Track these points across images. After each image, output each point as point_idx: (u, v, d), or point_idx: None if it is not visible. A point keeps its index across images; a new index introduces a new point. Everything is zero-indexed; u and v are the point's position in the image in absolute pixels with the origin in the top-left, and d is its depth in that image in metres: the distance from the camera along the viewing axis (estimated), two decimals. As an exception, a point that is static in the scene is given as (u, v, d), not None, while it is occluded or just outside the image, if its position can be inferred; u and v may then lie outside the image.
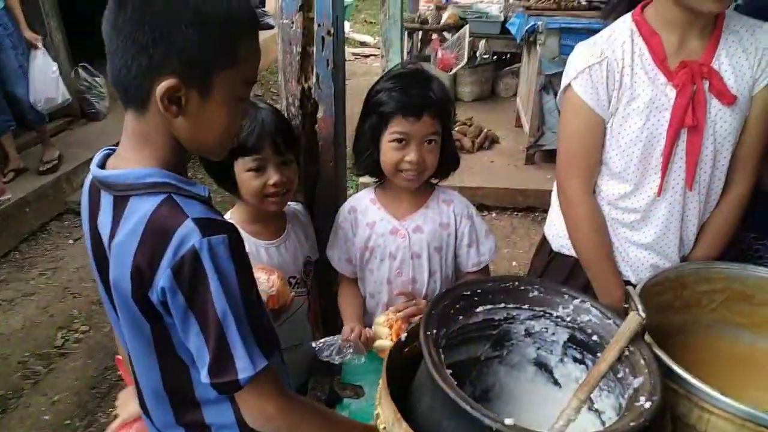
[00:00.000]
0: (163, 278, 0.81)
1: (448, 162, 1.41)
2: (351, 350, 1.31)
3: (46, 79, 4.03)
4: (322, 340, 1.33)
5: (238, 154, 1.29)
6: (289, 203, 1.49)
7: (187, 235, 0.80)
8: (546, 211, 4.60)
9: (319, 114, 1.45)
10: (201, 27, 0.79)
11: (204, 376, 0.84)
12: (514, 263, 3.55)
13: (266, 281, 1.27)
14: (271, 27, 5.90)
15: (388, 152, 1.33)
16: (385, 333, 1.34)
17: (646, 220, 1.36)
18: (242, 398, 0.89)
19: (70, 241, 3.74)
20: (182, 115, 0.84)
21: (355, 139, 1.44)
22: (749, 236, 1.51)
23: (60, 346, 2.80)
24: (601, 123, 1.32)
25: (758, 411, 0.88)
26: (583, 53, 1.31)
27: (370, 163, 1.39)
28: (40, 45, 3.99)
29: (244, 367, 0.83)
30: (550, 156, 4.37)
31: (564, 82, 1.35)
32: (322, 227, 1.54)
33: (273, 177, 1.32)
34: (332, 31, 1.35)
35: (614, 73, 1.27)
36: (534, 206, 4.08)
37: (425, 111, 1.30)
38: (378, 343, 1.34)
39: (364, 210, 1.46)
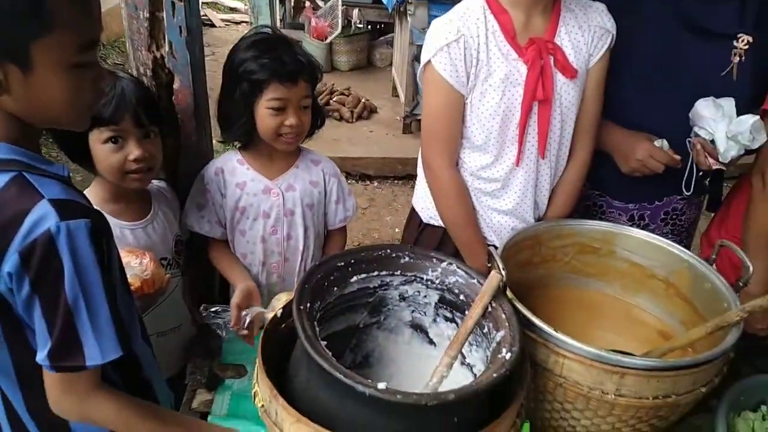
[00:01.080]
0: (9, 263, 0.76)
1: (316, 122, 1.47)
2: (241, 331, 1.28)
3: None
4: (215, 307, 1.28)
5: (93, 125, 1.18)
6: (153, 181, 1.40)
7: (42, 217, 0.75)
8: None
9: (176, 85, 1.35)
10: None
11: (42, 358, 0.82)
12: (397, 230, 3.65)
13: (138, 265, 1.18)
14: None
15: (266, 118, 1.35)
16: None
17: (505, 188, 1.45)
18: (52, 380, 0.85)
19: None
20: (6, 93, 0.76)
21: (220, 108, 1.42)
22: (593, 193, 1.67)
23: None
24: (460, 99, 1.37)
25: (603, 351, 0.98)
26: (440, 30, 1.34)
27: (244, 131, 1.39)
28: None
29: (93, 354, 0.82)
30: (426, 125, 4.50)
31: (423, 58, 1.38)
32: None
33: (134, 152, 1.23)
34: (182, -4, 1.25)
35: (471, 50, 1.32)
36: (413, 174, 4.07)
37: (300, 76, 1.34)
38: None
39: (232, 171, 1.45)
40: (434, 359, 1.14)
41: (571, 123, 1.43)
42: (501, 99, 1.34)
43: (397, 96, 4.98)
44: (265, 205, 1.45)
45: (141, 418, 0.91)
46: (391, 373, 1.19)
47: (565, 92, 1.37)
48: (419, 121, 4.50)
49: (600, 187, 1.65)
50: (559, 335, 1.01)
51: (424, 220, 1.59)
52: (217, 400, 1.26)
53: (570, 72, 1.35)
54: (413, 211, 1.66)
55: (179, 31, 1.27)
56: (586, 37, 1.37)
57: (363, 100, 4.81)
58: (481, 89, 1.35)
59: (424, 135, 1.45)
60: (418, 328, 1.19)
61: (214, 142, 1.70)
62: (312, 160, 1.53)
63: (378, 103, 4.95)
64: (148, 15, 1.25)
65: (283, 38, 1.41)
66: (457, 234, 1.48)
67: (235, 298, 1.30)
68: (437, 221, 1.54)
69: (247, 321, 1.25)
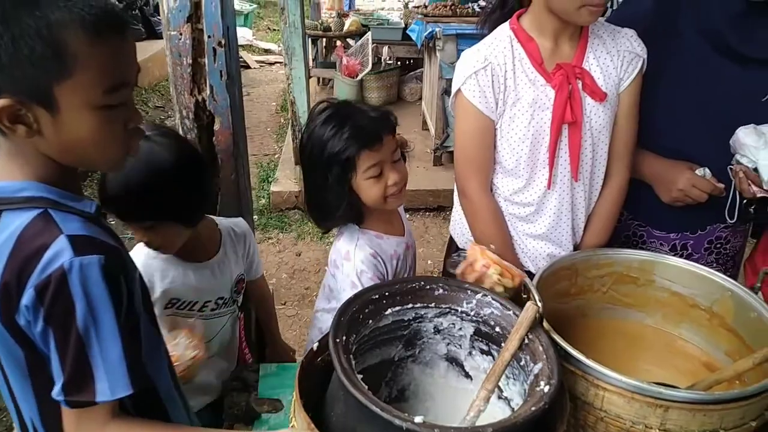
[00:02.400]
0: (26, 297, 0.78)
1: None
2: None
3: None
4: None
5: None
6: (223, 221, 1.44)
7: (58, 253, 0.77)
8: (455, 210, 4.69)
9: (216, 126, 1.41)
10: (15, 36, 0.73)
11: (57, 392, 0.82)
12: (429, 261, 3.64)
13: (189, 349, 1.21)
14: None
15: (370, 189, 1.32)
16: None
17: (539, 212, 1.46)
18: (67, 416, 0.85)
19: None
20: (39, 135, 0.79)
21: (311, 200, 1.39)
22: (633, 223, 1.65)
23: None
24: (490, 124, 1.40)
25: (644, 383, 0.96)
26: (468, 59, 1.39)
27: (351, 213, 1.36)
28: None
29: (103, 390, 0.82)
30: (457, 157, 4.53)
31: (454, 87, 1.42)
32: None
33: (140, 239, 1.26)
34: (223, 42, 1.32)
35: (498, 77, 1.36)
36: (444, 206, 4.22)
37: (383, 134, 1.31)
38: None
39: (379, 247, 1.41)
40: (471, 393, 1.13)
41: (603, 146, 1.43)
42: (530, 123, 1.37)
43: (428, 129, 5.04)
44: (409, 260, 1.49)
45: None
46: (428, 408, 1.18)
47: (595, 115, 1.39)
48: (450, 153, 4.58)
49: (640, 217, 1.63)
50: (599, 367, 0.99)
51: (460, 246, 1.61)
52: (252, 434, 1.27)
53: (599, 95, 1.36)
54: (451, 238, 1.68)
55: (220, 75, 1.34)
56: (615, 62, 1.39)
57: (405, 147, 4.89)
58: (510, 114, 1.38)
59: (458, 161, 1.48)
60: (454, 361, 1.18)
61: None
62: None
63: (409, 137, 5.00)
64: (191, 61, 1.32)
65: (347, 105, 1.38)
66: None
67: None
68: None
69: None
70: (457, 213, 1.60)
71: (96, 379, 0.81)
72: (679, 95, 1.46)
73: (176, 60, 1.33)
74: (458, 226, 1.61)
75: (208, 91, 1.35)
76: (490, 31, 1.44)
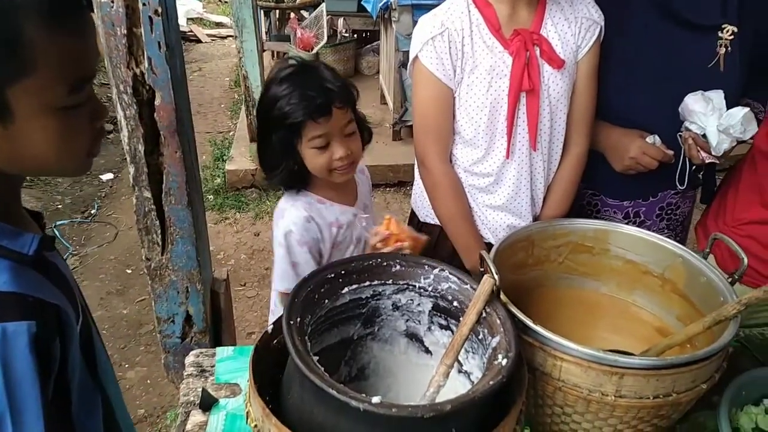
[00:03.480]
0: None
1: (365, 139, 1.40)
2: None
3: None
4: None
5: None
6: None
7: None
8: (415, 184, 4.68)
9: (157, 101, 1.33)
10: None
11: None
12: (390, 238, 3.63)
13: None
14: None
15: (313, 159, 1.28)
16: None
17: (498, 182, 1.45)
18: None
19: None
20: None
21: (260, 155, 1.35)
22: (587, 192, 1.66)
23: None
24: (449, 92, 1.37)
25: (600, 352, 0.97)
26: (425, 25, 1.35)
27: (289, 175, 1.32)
28: None
29: None
30: (415, 130, 4.50)
31: (411, 54, 1.39)
32: (176, 222, 1.43)
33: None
34: (160, 11, 1.23)
35: (456, 43, 1.33)
36: (404, 181, 4.21)
37: (333, 105, 1.25)
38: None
39: (319, 213, 1.37)
40: (431, 368, 1.11)
41: (561, 115, 1.42)
42: (488, 91, 1.34)
43: (386, 103, 4.98)
44: (357, 232, 1.42)
45: None
46: (389, 385, 1.17)
47: (553, 83, 1.37)
48: (409, 127, 4.55)
49: (594, 185, 1.64)
50: (556, 338, 0.99)
51: (421, 219, 1.60)
52: (211, 421, 1.24)
53: (557, 62, 1.35)
54: (412, 212, 1.67)
55: (158, 46, 1.26)
56: (573, 29, 1.37)
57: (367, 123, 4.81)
58: (467, 82, 1.35)
59: (416, 131, 1.46)
60: (414, 337, 1.17)
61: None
62: (360, 171, 1.48)
63: (367, 112, 4.91)
64: (125, 32, 1.24)
65: (307, 68, 1.32)
66: (452, 230, 1.48)
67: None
68: (434, 219, 1.54)
69: None
70: (418, 186, 1.58)
71: None
72: (628, 63, 1.47)
73: (109, 30, 1.24)
74: (419, 199, 1.60)
75: (146, 64, 1.27)
76: None
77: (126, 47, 1.24)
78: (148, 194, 1.41)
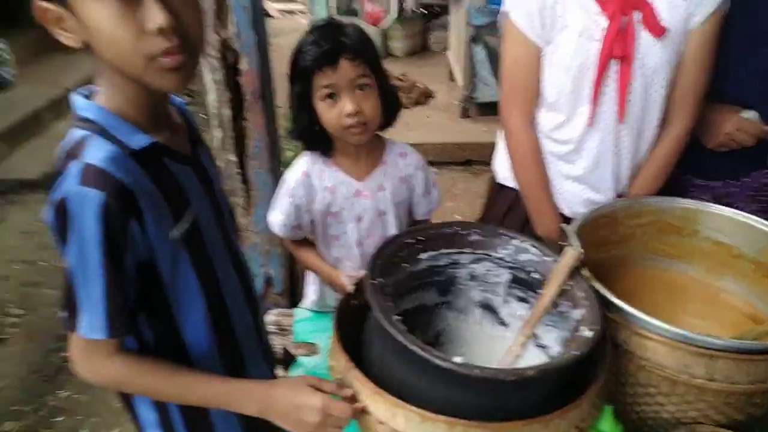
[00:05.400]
0: (47, 211, 0.78)
1: (389, 108, 1.33)
2: None
3: None
4: None
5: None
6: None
7: (69, 178, 0.75)
8: (485, 163, 4.65)
9: (242, 65, 1.35)
10: None
11: (60, 310, 0.82)
12: (457, 216, 3.60)
13: None
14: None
15: (324, 112, 1.26)
16: None
17: (578, 151, 1.39)
18: (74, 340, 0.85)
19: (-10, 221, 3.48)
20: (78, 39, 0.76)
21: (290, 109, 1.34)
22: (685, 178, 1.57)
23: (-5, 332, 2.64)
24: (536, 51, 1.33)
25: (690, 332, 0.92)
26: None
27: (309, 131, 1.30)
28: None
29: (84, 325, 0.80)
30: (484, 108, 4.40)
31: (502, 11, 1.36)
32: (258, 187, 1.47)
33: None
34: (248, -24, 1.26)
35: (548, 1, 1.27)
36: (472, 159, 4.13)
37: (340, 56, 1.22)
38: None
39: (319, 174, 1.36)
40: (506, 340, 1.11)
41: (658, 88, 1.33)
42: (575, 53, 1.29)
43: (454, 80, 4.90)
44: (358, 208, 1.37)
45: (158, 384, 0.87)
46: (463, 353, 1.16)
47: (651, 52, 1.28)
48: (477, 105, 4.46)
49: (681, 164, 1.55)
50: (642, 315, 0.96)
51: (498, 181, 1.58)
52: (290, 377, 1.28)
53: (657, 30, 1.25)
54: (492, 172, 1.65)
55: (244, 11, 1.28)
56: None
57: (419, 86, 4.77)
58: (556, 42, 1.30)
59: (502, 90, 1.42)
60: (489, 308, 1.16)
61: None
62: (399, 153, 1.42)
63: (435, 88, 4.88)
64: (214, -5, 1.26)
65: (330, 23, 1.29)
66: (528, 195, 1.45)
67: (345, 281, 1.26)
68: (511, 182, 1.52)
69: None
70: (500, 147, 1.56)
71: (79, 311, 0.79)
72: (725, 34, 1.36)
73: (198, -6, 1.27)
74: (498, 160, 1.58)
75: (233, 29, 1.30)
76: None
77: (214, 12, 1.27)
78: (233, 158, 1.45)
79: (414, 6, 5.88)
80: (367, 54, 1.26)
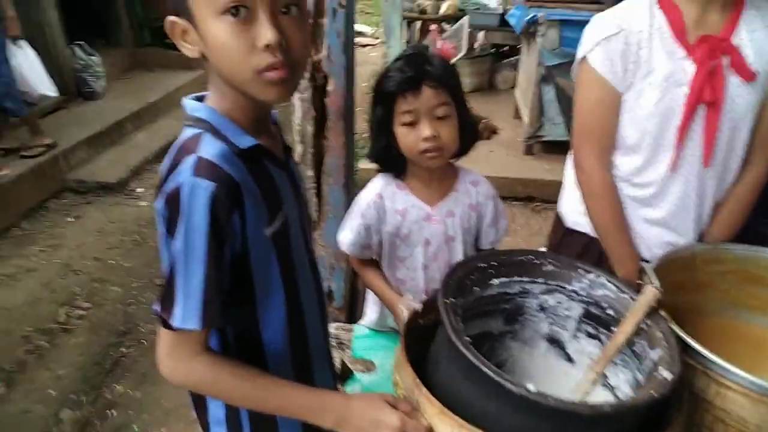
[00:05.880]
0: (159, 201, 0.82)
1: (466, 137, 1.34)
2: None
3: (34, 73, 3.99)
4: None
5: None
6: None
7: (183, 170, 0.80)
8: (545, 201, 4.55)
9: (330, 87, 1.41)
10: None
11: (155, 303, 0.85)
12: (514, 252, 3.55)
13: None
14: None
15: (403, 137, 1.28)
16: None
17: (659, 195, 1.35)
18: (163, 337, 0.87)
19: (70, 219, 3.69)
20: (204, 57, 0.83)
21: (369, 132, 1.38)
22: (760, 220, 1.50)
23: (63, 322, 2.76)
24: (616, 95, 1.31)
25: (777, 384, 0.87)
26: (600, 25, 1.30)
27: (382, 153, 1.34)
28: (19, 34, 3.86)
29: (177, 315, 0.82)
30: (549, 147, 4.37)
31: (579, 54, 1.34)
32: (330, 202, 1.51)
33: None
34: (344, 4, 1.32)
35: (631, 46, 1.26)
36: (533, 196, 4.09)
37: (423, 83, 1.24)
38: None
39: (392, 196, 1.38)
40: (572, 377, 1.08)
41: (744, 131, 1.30)
42: (661, 99, 1.26)
43: (519, 118, 4.89)
44: (427, 232, 1.38)
45: (239, 391, 0.88)
46: (524, 386, 1.14)
47: (740, 96, 1.25)
48: (542, 143, 4.43)
49: (764, 210, 1.48)
50: (724, 363, 0.91)
51: (568, 225, 1.53)
52: (347, 391, 1.29)
53: (747, 74, 1.23)
54: (557, 217, 1.60)
55: (337, 35, 1.34)
56: None
57: (485, 121, 4.78)
58: (639, 87, 1.28)
59: (577, 133, 1.40)
60: (556, 342, 1.13)
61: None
62: (471, 182, 1.43)
63: (499, 125, 4.89)
64: (312, 21, 1.33)
65: (417, 51, 1.32)
66: (607, 239, 1.40)
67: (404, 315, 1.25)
68: (582, 227, 1.48)
69: None
70: (568, 190, 1.52)
71: (175, 301, 0.81)
72: None
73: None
74: (569, 204, 1.54)
75: (324, 52, 1.36)
76: None
77: (311, 36, 1.33)
78: (310, 172, 1.50)
79: (484, 44, 5.94)
80: (449, 83, 1.28)
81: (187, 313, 0.82)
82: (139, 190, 4.08)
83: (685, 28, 1.25)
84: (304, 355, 1.03)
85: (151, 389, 2.35)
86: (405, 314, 1.20)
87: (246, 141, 0.87)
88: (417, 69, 1.25)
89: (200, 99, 0.92)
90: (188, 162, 0.81)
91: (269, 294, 0.94)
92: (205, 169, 0.80)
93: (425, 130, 1.25)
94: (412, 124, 1.27)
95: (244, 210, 0.85)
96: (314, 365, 1.05)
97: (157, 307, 0.84)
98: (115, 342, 2.63)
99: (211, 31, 0.79)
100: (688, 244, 1.30)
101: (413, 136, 1.27)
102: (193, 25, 0.81)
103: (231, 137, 0.86)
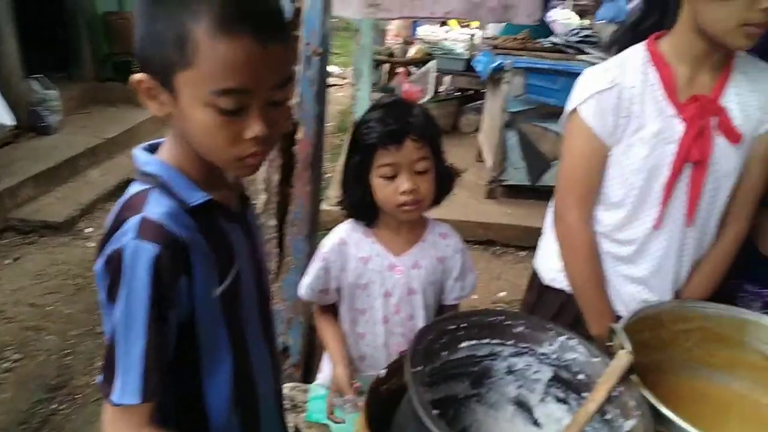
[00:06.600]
0: (99, 262, 0.78)
1: (443, 189, 1.33)
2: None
3: None
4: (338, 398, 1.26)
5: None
6: None
7: (126, 231, 0.76)
8: (505, 245, 4.57)
9: (299, 135, 1.38)
10: (149, 18, 0.75)
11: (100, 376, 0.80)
12: (474, 296, 3.52)
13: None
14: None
15: (380, 189, 1.25)
16: None
17: (641, 253, 1.35)
18: (106, 408, 0.80)
19: (8, 261, 3.47)
20: (171, 117, 0.80)
21: (341, 180, 1.35)
22: (735, 282, 1.52)
23: (-12, 376, 2.57)
24: (604, 149, 1.31)
25: (749, 457, 0.85)
26: (594, 78, 1.30)
27: (356, 203, 1.31)
28: None
29: (117, 389, 0.77)
30: (511, 191, 4.44)
31: (570, 105, 1.34)
32: (293, 252, 1.46)
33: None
34: (319, 51, 1.30)
35: (623, 101, 1.27)
36: (494, 240, 4.11)
37: (406, 136, 1.22)
38: None
39: (357, 243, 1.35)
40: (539, 443, 1.05)
41: (726, 191, 1.32)
42: (649, 155, 1.27)
43: (482, 161, 4.97)
44: (389, 283, 1.35)
45: None
46: (489, 453, 1.09)
47: (725, 157, 1.27)
48: (504, 187, 4.49)
49: (733, 267, 1.50)
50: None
51: (545, 282, 1.51)
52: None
53: (734, 136, 1.25)
54: (534, 272, 1.58)
55: (310, 83, 1.31)
56: (761, 101, 1.27)
57: (453, 171, 4.84)
58: (628, 142, 1.29)
59: (560, 186, 1.39)
60: (523, 406, 1.09)
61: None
62: (440, 234, 1.40)
63: (462, 167, 4.92)
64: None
65: (398, 101, 1.32)
66: (584, 296, 1.39)
67: (342, 383, 1.27)
68: (559, 283, 1.46)
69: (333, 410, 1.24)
70: (546, 245, 1.51)
71: (115, 374, 0.77)
72: None
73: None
74: (545, 260, 1.52)
75: (296, 99, 1.33)
76: (618, 52, 1.35)
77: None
78: (272, 222, 1.45)
79: (449, 89, 6.08)
80: (431, 136, 1.27)
81: (126, 387, 0.76)
82: (88, 230, 3.88)
83: (677, 87, 1.27)
84: (252, 423, 0.97)
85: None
86: (343, 379, 1.22)
87: (197, 197, 0.83)
88: (400, 121, 1.23)
89: (154, 147, 0.87)
90: (132, 222, 0.76)
91: (215, 358, 0.88)
92: (149, 230, 0.76)
93: (404, 183, 1.23)
94: (391, 177, 1.24)
95: (192, 272, 0.80)
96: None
97: (100, 379, 0.79)
98: (45, 398, 2.43)
99: (196, 115, 0.76)
100: (654, 302, 1.29)
101: (391, 189, 1.24)
102: (170, 93, 0.77)
103: (181, 193, 0.82)
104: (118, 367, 0.76)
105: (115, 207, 0.82)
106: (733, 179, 1.31)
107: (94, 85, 5.91)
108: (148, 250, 0.75)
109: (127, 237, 0.75)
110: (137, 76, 0.78)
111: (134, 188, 0.82)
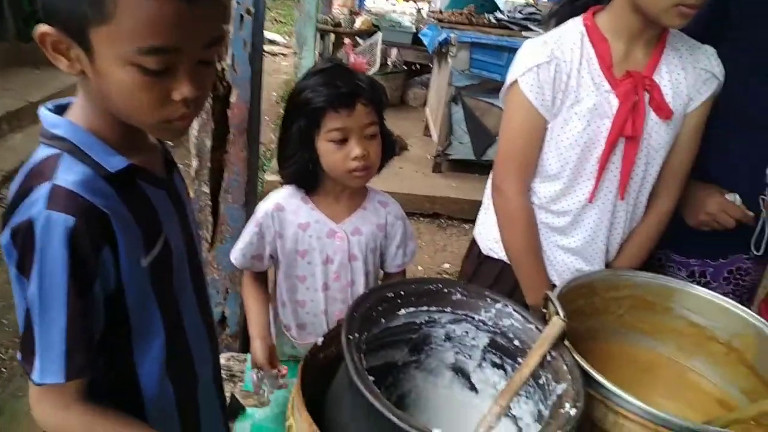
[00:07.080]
0: (3, 236, 0.72)
1: (387, 154, 1.32)
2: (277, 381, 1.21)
3: None
4: (255, 373, 1.21)
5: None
6: None
7: (35, 200, 0.70)
8: (450, 218, 4.66)
9: (233, 98, 1.31)
10: None
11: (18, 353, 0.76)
12: (419, 267, 3.58)
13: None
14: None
15: (329, 154, 1.22)
16: None
17: (575, 224, 1.38)
18: (30, 385, 0.77)
19: None
20: (83, 75, 0.73)
21: (279, 148, 1.30)
22: (663, 252, 1.58)
23: None
24: (542, 122, 1.32)
25: (673, 416, 0.89)
26: (532, 51, 1.30)
27: (301, 171, 1.26)
28: None
29: (37, 368, 0.73)
30: (456, 165, 4.48)
31: (510, 78, 1.33)
32: (228, 221, 1.40)
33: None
34: (252, 11, 1.23)
35: (561, 75, 1.27)
36: (439, 213, 4.16)
37: (357, 99, 1.20)
38: None
39: (295, 210, 1.31)
40: (475, 407, 1.06)
41: (656, 166, 1.35)
42: (585, 129, 1.28)
43: (429, 135, 4.99)
44: (329, 249, 1.33)
45: None
46: (428, 418, 1.10)
47: (656, 133, 1.30)
48: (450, 161, 4.53)
49: (661, 238, 1.56)
50: (624, 394, 0.92)
51: (484, 252, 1.53)
52: (236, 429, 1.19)
53: (665, 112, 1.28)
54: (473, 242, 1.59)
55: (243, 44, 1.24)
56: (689, 79, 1.30)
57: (394, 137, 4.82)
58: (565, 116, 1.29)
59: (499, 157, 1.40)
60: (461, 371, 1.10)
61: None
62: (380, 202, 1.40)
63: (409, 141, 4.95)
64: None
65: (342, 65, 1.28)
66: (520, 265, 1.41)
67: (259, 358, 1.24)
68: (497, 253, 1.48)
69: (260, 385, 1.20)
70: (485, 216, 1.52)
71: (35, 353, 0.72)
72: (714, 116, 1.41)
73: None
74: (485, 229, 1.53)
75: (228, 61, 1.26)
76: (557, 25, 1.35)
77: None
78: (206, 189, 1.39)
79: (397, 61, 6.02)
80: (379, 101, 1.25)
81: (47, 366, 0.71)
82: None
83: (612, 62, 1.28)
84: (189, 395, 0.93)
85: (7, 426, 2.08)
86: (260, 354, 1.19)
87: (115, 162, 0.76)
88: (349, 85, 1.20)
89: (62, 108, 0.79)
90: (41, 191, 0.70)
91: (147, 331, 0.84)
92: (61, 200, 0.69)
93: (356, 148, 1.21)
94: (341, 142, 1.21)
95: (115, 242, 0.75)
96: (201, 406, 0.95)
97: (19, 356, 0.74)
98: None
99: (117, 75, 0.69)
100: (587, 272, 1.33)
101: (342, 154, 1.21)
102: (83, 50, 0.69)
103: (97, 158, 0.75)
104: (37, 346, 0.72)
105: (20, 173, 0.74)
106: (664, 154, 1.35)
107: (18, 46, 5.49)
108: (62, 221, 0.69)
109: (36, 208, 0.69)
110: (41, 28, 0.69)
111: (42, 153, 0.75)
